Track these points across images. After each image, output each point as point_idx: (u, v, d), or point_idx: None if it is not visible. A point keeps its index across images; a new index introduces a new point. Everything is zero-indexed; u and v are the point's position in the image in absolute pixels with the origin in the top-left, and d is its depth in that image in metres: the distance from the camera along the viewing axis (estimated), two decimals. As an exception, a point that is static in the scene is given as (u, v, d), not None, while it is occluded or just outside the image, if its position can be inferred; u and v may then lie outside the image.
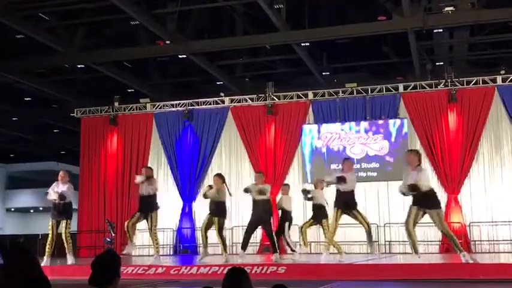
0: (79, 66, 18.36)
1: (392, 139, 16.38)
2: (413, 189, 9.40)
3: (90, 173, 18.74)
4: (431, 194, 9.64)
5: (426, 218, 11.68)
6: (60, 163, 32.91)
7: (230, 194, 12.20)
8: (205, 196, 11.93)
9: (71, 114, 19.65)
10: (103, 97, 19.79)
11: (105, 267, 3.24)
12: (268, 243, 13.21)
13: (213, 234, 12.11)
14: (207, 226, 11.85)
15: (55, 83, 20.24)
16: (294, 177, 17.04)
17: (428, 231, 15.09)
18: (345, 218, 16.17)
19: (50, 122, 24.43)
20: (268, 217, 11.98)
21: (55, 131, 26.39)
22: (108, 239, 17.42)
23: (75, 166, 23.67)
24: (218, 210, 11.81)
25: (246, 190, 11.98)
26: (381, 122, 16.55)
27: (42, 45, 16.50)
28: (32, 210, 37.05)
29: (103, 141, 18.85)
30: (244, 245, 12.01)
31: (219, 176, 12.07)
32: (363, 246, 16.17)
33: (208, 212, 11.93)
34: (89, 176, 18.75)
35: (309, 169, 16.79)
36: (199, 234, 17.01)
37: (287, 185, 13.80)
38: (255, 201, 11.84)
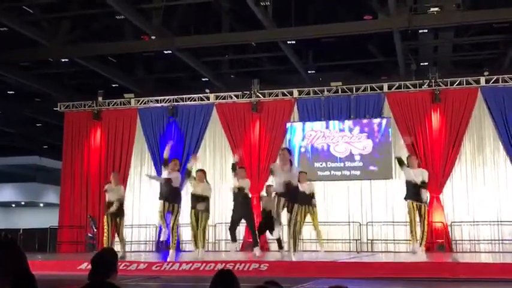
0: (63, 60, 18.20)
1: (376, 138, 16.45)
2: None
3: (73, 168, 18.59)
4: None
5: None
6: (43, 157, 32.71)
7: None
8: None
9: (55, 109, 19.47)
10: (87, 92, 19.64)
11: (104, 263, 3.45)
12: (251, 240, 13.26)
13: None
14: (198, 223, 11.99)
15: (39, 76, 20.05)
16: (278, 175, 17.04)
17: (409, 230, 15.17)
18: (330, 216, 16.29)
19: (33, 115, 24.21)
20: (251, 211, 12.14)
21: (38, 125, 26.16)
22: (90, 235, 17.34)
23: (57, 161, 23.50)
24: (207, 206, 11.99)
25: (234, 167, 12.09)
26: (365, 121, 16.61)
27: (26, 38, 16.32)
28: (13, 205, 36.75)
29: (86, 136, 18.72)
30: (233, 237, 12.20)
31: (203, 172, 12.23)
32: (345, 244, 16.27)
33: (197, 208, 11.96)
34: (72, 170, 18.60)
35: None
36: (181, 231, 17.02)
37: (271, 186, 13.71)
38: (235, 194, 12.00)
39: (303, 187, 12.53)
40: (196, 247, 11.91)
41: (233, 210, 12.30)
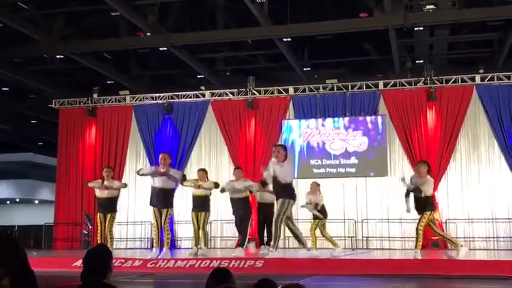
0: (58, 56, 18.12)
1: (372, 136, 16.47)
2: None
3: (68, 165, 18.56)
4: None
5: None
6: (38, 154, 32.63)
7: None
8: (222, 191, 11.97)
9: (49, 105, 19.42)
10: (82, 88, 19.59)
11: (97, 262, 3.25)
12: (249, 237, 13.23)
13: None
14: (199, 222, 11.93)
15: (33, 73, 19.98)
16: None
17: (405, 228, 15.23)
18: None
19: (27, 112, 24.13)
20: (247, 215, 11.99)
21: (33, 121, 26.07)
22: (85, 232, 17.31)
23: (52, 158, 23.43)
24: (206, 205, 11.97)
25: (223, 190, 11.99)
26: (360, 118, 16.64)
27: (20, 35, 16.24)
28: (8, 202, 36.67)
29: (81, 133, 18.69)
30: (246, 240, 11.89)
31: (205, 171, 12.24)
32: (340, 241, 16.27)
33: (196, 208, 11.94)
34: (67, 167, 18.57)
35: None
36: (176, 228, 17.05)
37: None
38: (232, 199, 11.86)
39: (316, 198, 12.08)
40: (195, 245, 12.13)
41: (232, 212, 12.08)
